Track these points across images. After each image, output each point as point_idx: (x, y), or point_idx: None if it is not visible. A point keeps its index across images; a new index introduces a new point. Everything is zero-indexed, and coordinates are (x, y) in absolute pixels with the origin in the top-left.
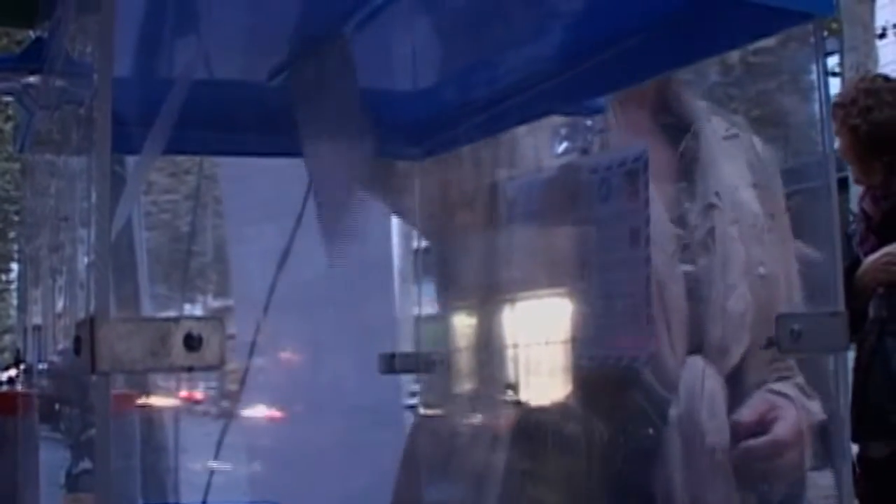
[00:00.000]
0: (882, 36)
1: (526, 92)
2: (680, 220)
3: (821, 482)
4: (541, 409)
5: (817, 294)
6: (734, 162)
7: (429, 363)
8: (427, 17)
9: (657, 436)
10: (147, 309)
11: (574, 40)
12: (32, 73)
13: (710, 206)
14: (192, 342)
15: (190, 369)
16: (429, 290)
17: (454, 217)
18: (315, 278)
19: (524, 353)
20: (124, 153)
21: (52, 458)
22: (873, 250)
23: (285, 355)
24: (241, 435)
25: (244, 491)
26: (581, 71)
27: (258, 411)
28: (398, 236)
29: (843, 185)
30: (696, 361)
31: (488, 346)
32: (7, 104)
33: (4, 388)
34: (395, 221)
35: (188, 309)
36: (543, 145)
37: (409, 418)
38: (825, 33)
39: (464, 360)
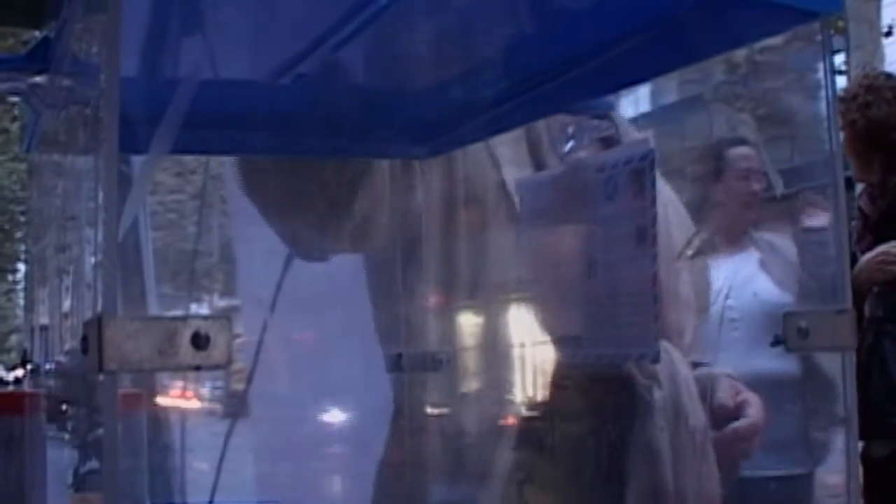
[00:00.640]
0: (888, 34)
1: (532, 90)
2: None
3: (829, 481)
4: (545, 408)
5: (825, 292)
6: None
7: (435, 362)
8: (431, 15)
9: (655, 427)
10: (153, 308)
11: (580, 38)
12: (39, 72)
13: None
14: (199, 341)
15: (197, 368)
16: (435, 288)
17: (459, 215)
18: (322, 277)
19: (530, 352)
20: (131, 153)
21: (59, 458)
22: (870, 249)
23: (292, 354)
24: (248, 434)
25: (251, 491)
26: (587, 69)
27: (265, 411)
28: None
29: (849, 183)
30: (665, 346)
31: (494, 345)
32: (14, 105)
33: (11, 387)
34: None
35: (194, 308)
36: (550, 144)
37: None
38: (831, 32)
39: (470, 359)
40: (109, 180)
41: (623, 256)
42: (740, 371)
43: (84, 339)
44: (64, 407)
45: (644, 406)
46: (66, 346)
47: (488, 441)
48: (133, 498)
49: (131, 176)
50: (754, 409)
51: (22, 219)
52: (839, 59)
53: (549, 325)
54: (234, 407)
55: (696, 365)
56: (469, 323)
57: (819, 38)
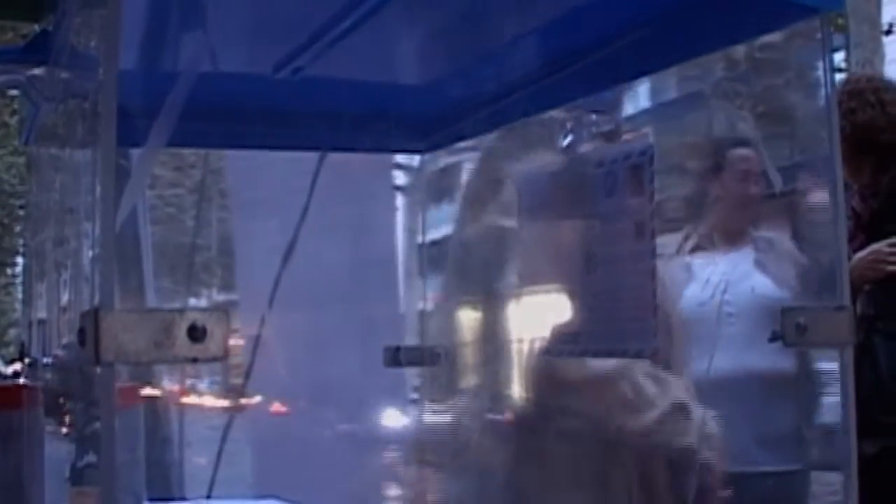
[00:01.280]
0: (888, 32)
1: (531, 85)
2: None
3: (826, 478)
4: (543, 401)
5: (823, 289)
6: None
7: (433, 356)
8: (431, 11)
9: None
10: (152, 303)
11: (580, 34)
12: (37, 65)
13: None
14: (196, 333)
15: (194, 360)
16: (434, 284)
17: (460, 210)
18: (320, 273)
19: (529, 346)
20: (129, 146)
21: (56, 452)
22: (862, 248)
23: (290, 349)
24: (246, 429)
25: (249, 484)
26: (587, 64)
27: (263, 405)
28: (403, 230)
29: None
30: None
31: (493, 339)
32: (13, 99)
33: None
34: (400, 216)
35: (192, 303)
36: (550, 139)
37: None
38: (831, 29)
39: (469, 354)
40: (107, 173)
41: (622, 251)
42: (736, 367)
43: (81, 331)
44: (61, 401)
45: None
46: (64, 340)
47: (487, 434)
48: (130, 492)
49: (129, 169)
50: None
51: (21, 213)
52: (839, 57)
53: (547, 319)
54: (232, 401)
55: None
56: (467, 318)
57: (819, 35)
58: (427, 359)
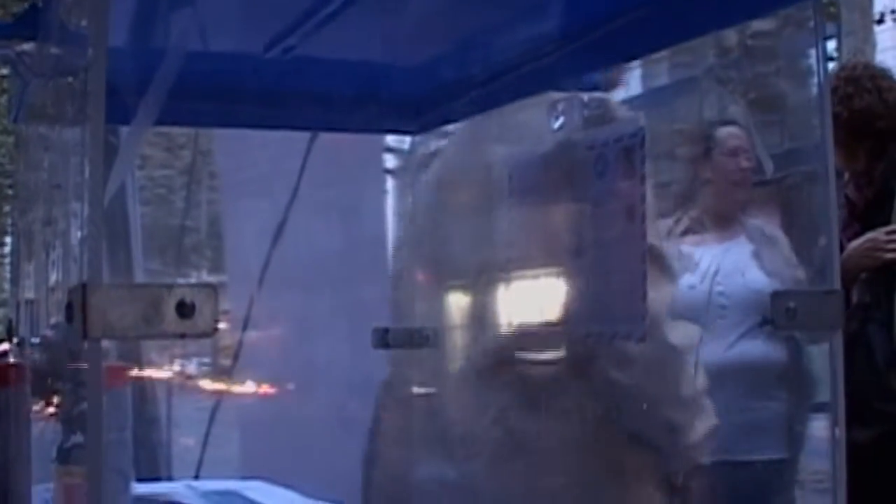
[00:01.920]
0: (880, 21)
1: (523, 67)
2: None
3: (815, 466)
4: (535, 383)
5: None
6: None
7: (422, 338)
8: None
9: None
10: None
11: (571, 16)
12: (27, 40)
13: None
14: (184, 309)
15: (182, 336)
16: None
17: (449, 193)
18: (309, 255)
19: (519, 330)
20: (118, 123)
21: (44, 433)
22: (857, 237)
23: (279, 331)
24: (234, 411)
25: (235, 467)
26: (578, 47)
27: (251, 387)
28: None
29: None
30: None
31: (482, 323)
32: (2, 78)
33: None
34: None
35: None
36: (540, 121)
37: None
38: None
39: (457, 336)
40: (95, 149)
41: (612, 234)
42: (727, 357)
43: (69, 307)
44: (49, 381)
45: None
46: (53, 320)
47: (475, 416)
48: (118, 471)
49: (118, 146)
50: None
51: (10, 192)
52: (830, 46)
53: (537, 302)
54: (221, 382)
55: None
56: (456, 300)
57: (812, 23)
58: (416, 341)
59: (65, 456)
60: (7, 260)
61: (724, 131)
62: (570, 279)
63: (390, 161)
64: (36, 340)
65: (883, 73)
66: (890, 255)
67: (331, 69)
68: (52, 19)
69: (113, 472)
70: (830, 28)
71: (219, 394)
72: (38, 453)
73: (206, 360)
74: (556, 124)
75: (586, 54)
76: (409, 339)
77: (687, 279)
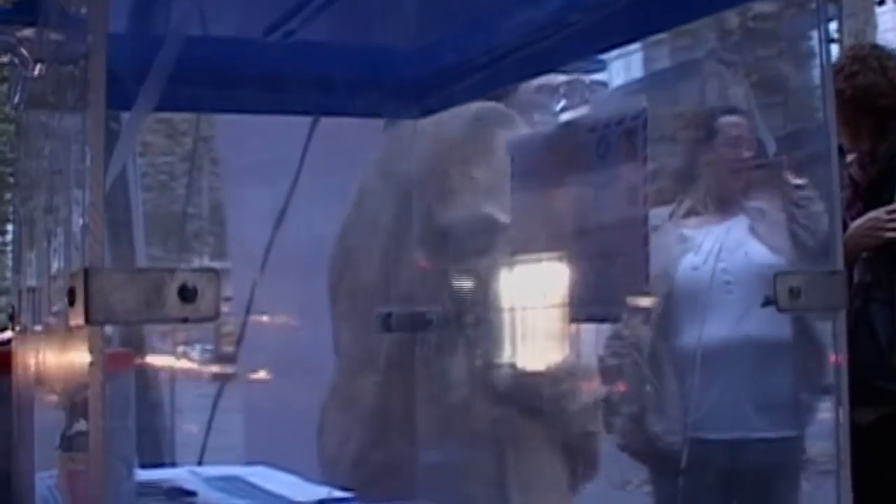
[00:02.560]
0: (881, 3)
1: (524, 50)
2: None
3: (819, 445)
4: (537, 368)
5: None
6: None
7: (424, 322)
8: None
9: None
10: None
11: None
12: (27, 25)
13: None
14: (186, 294)
15: (185, 321)
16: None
17: (452, 175)
18: (312, 240)
19: (521, 312)
20: (119, 109)
21: (46, 420)
22: (860, 216)
23: (281, 317)
24: (237, 397)
25: (239, 453)
26: (579, 29)
27: (254, 373)
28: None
29: (840, 150)
30: None
31: (485, 305)
32: (3, 66)
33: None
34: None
35: None
36: (542, 103)
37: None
38: None
39: (459, 319)
40: (96, 135)
41: (614, 216)
42: (734, 334)
43: (70, 292)
44: (52, 368)
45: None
46: (55, 308)
47: (477, 400)
48: (121, 458)
49: (119, 132)
50: None
51: (11, 180)
52: (831, 28)
53: (540, 285)
54: (224, 369)
55: None
56: (460, 283)
57: (814, 5)
58: (418, 324)
59: (68, 443)
60: (9, 248)
61: (724, 121)
62: (571, 261)
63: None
64: (38, 328)
65: (889, 54)
66: (891, 234)
67: (331, 53)
68: (52, 4)
69: (116, 458)
70: (831, 10)
71: (222, 379)
72: (42, 441)
73: (209, 346)
74: (558, 106)
75: (587, 36)
76: (411, 322)
77: (690, 260)
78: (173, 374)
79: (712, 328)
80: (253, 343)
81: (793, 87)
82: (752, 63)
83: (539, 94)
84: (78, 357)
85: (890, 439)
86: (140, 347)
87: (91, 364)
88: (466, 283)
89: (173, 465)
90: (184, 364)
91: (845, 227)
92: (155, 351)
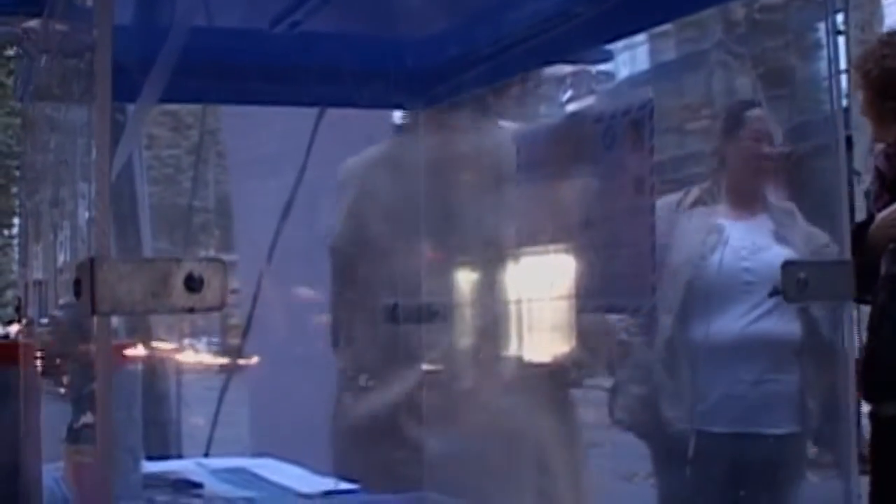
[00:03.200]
0: None
1: (530, 41)
2: None
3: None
4: (543, 360)
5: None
6: None
7: (431, 314)
8: None
9: None
10: None
11: None
12: (32, 16)
13: None
14: (193, 283)
15: (191, 310)
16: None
17: (457, 167)
18: (319, 232)
19: (528, 303)
20: (125, 101)
21: (53, 413)
22: (886, 207)
23: (288, 309)
24: (244, 389)
25: (245, 445)
26: (585, 19)
27: (260, 365)
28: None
29: (848, 142)
30: None
31: (492, 296)
32: (9, 59)
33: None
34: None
35: None
36: (548, 94)
37: None
38: None
39: (466, 310)
40: (102, 127)
41: (621, 207)
42: (749, 331)
43: (77, 282)
44: (58, 361)
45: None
46: (61, 301)
47: (484, 392)
48: (127, 450)
49: (124, 123)
50: None
51: (17, 173)
52: (837, 19)
53: (547, 275)
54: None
55: None
56: (465, 275)
57: None
58: (425, 316)
59: (75, 436)
60: (15, 241)
61: (750, 114)
62: (578, 252)
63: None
64: (45, 321)
65: None
66: None
67: (338, 44)
68: None
69: (123, 450)
70: (838, 1)
71: (228, 371)
72: (48, 433)
73: (216, 339)
74: (565, 97)
75: (594, 27)
76: (417, 314)
77: (711, 253)
78: (179, 366)
79: (731, 324)
80: (260, 335)
81: (799, 79)
82: (758, 55)
83: (545, 85)
84: (84, 348)
85: None
86: (146, 339)
87: (97, 355)
88: (472, 275)
89: (180, 457)
90: (190, 356)
91: (872, 218)
92: (161, 343)
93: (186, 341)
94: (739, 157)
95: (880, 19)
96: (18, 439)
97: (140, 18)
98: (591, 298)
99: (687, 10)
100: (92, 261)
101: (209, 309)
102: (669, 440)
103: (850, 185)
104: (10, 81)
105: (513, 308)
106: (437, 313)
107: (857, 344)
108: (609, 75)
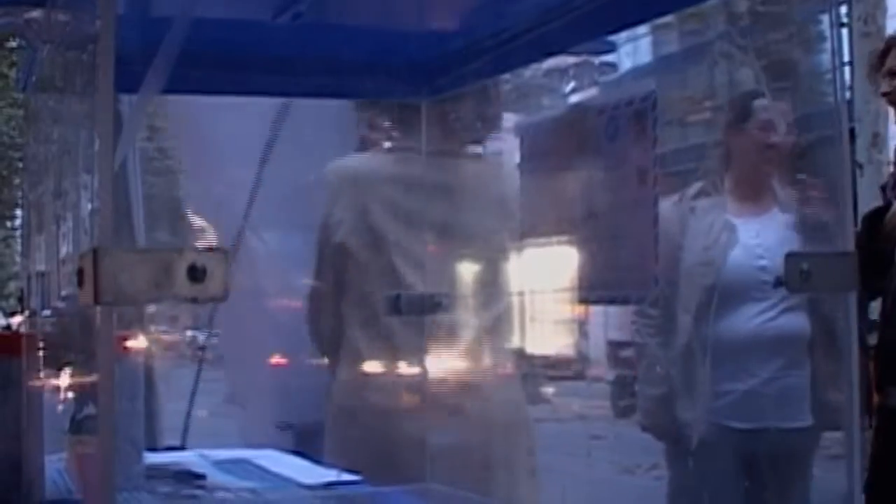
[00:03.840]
0: None
1: (532, 32)
2: None
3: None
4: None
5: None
6: None
7: (434, 305)
8: None
9: None
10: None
11: None
12: (35, 7)
13: None
14: (195, 273)
15: (194, 300)
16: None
17: (461, 158)
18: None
19: (530, 294)
20: (126, 92)
21: (56, 404)
22: None
23: (290, 303)
24: (231, 379)
25: (247, 436)
26: (587, 11)
27: (261, 358)
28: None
29: (851, 134)
30: None
31: (494, 286)
32: (11, 50)
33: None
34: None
35: None
36: (551, 86)
37: None
38: None
39: (469, 301)
40: (105, 118)
41: (624, 198)
42: (767, 328)
43: (80, 272)
44: (61, 353)
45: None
46: (64, 292)
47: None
48: (130, 440)
49: (125, 114)
50: None
51: (20, 165)
52: (841, 12)
53: (550, 266)
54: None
55: None
56: (467, 266)
57: None
58: (428, 307)
59: (77, 426)
60: (18, 233)
61: (758, 104)
62: (580, 243)
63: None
64: (47, 312)
65: None
66: None
67: (340, 36)
68: None
69: (125, 441)
70: None
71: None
72: (51, 424)
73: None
74: (567, 88)
75: (596, 18)
76: (420, 305)
77: (732, 254)
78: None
79: (745, 321)
80: (263, 327)
81: (802, 71)
82: (761, 47)
83: (548, 77)
84: (87, 339)
85: None
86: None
87: (100, 345)
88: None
89: (181, 448)
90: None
91: (888, 206)
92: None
93: (189, 333)
94: (749, 148)
95: (883, 11)
96: (21, 430)
97: (140, 9)
98: (593, 290)
99: (689, 1)
100: (95, 251)
101: (212, 299)
102: (688, 439)
103: (853, 177)
104: (12, 72)
105: (515, 299)
106: (439, 304)
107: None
108: (612, 67)
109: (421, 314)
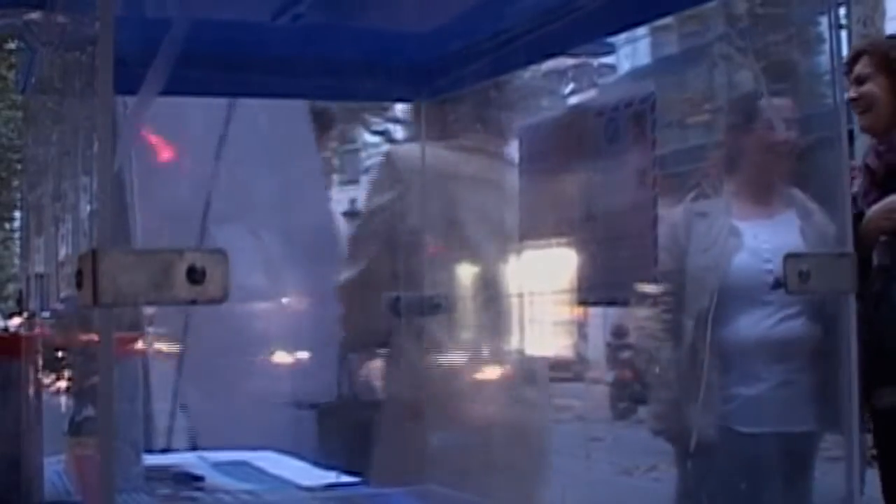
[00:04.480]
0: None
1: (530, 34)
2: None
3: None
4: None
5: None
6: None
7: (433, 306)
8: None
9: None
10: None
11: None
12: (34, 8)
13: None
14: (195, 275)
15: (193, 302)
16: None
17: (459, 159)
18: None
19: (529, 295)
20: (125, 93)
21: (55, 405)
22: (875, 203)
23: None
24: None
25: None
26: (586, 12)
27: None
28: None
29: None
30: None
31: (493, 288)
32: (10, 52)
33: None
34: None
35: None
36: (550, 87)
37: None
38: None
39: (468, 303)
40: (104, 120)
41: (623, 200)
42: (773, 332)
43: (79, 274)
44: (60, 354)
45: None
46: (63, 294)
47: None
48: (129, 442)
49: (124, 116)
50: None
51: (19, 167)
52: (840, 14)
53: (549, 268)
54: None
55: None
56: (467, 268)
57: None
58: (427, 308)
59: (77, 428)
60: (17, 235)
61: (763, 104)
62: (579, 245)
63: (399, 133)
64: (46, 314)
65: None
66: None
67: (339, 37)
68: None
69: (124, 442)
70: None
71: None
72: (50, 426)
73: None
74: (566, 90)
75: (594, 20)
76: (420, 306)
77: (738, 257)
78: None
79: (751, 325)
80: (264, 328)
81: (801, 72)
82: (760, 49)
83: (547, 78)
84: (86, 340)
85: None
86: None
87: (100, 346)
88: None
89: (176, 450)
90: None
91: (862, 214)
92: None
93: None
94: (757, 148)
95: (882, 14)
96: (20, 432)
97: (139, 10)
98: (593, 291)
99: (689, 3)
100: (94, 252)
101: (211, 301)
102: (698, 444)
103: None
104: (11, 74)
105: (514, 301)
106: (439, 306)
107: None
108: (611, 68)
109: (421, 315)
